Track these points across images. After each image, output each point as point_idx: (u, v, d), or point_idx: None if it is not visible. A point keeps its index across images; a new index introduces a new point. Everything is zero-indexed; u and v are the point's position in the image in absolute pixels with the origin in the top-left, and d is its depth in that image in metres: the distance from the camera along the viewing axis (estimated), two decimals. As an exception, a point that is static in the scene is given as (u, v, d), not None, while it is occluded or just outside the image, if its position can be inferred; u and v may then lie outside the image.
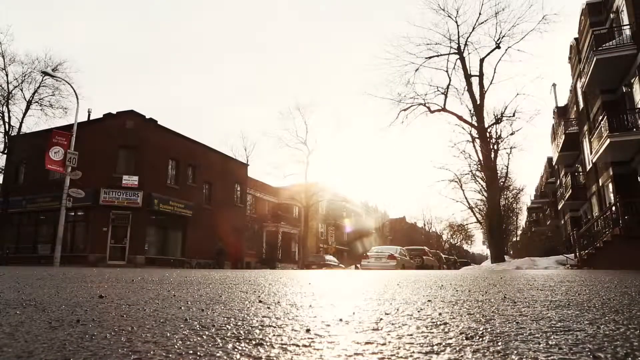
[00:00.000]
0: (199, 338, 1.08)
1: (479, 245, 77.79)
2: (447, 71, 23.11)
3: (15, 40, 51.42)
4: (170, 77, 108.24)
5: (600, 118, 16.46)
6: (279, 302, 1.85)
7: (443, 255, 32.70)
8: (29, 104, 27.70)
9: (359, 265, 23.16)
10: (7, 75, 27.22)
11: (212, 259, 24.36)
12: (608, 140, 15.22)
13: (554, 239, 36.20)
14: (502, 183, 30.80)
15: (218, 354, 0.91)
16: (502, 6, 34.07)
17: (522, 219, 60.07)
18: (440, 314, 1.50)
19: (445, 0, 37.99)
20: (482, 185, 29.86)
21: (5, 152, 27.68)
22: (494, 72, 23.45)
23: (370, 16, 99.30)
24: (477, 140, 23.54)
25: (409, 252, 22.32)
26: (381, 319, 1.38)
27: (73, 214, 22.79)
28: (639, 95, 15.86)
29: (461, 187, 32.13)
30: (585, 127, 21.97)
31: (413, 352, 0.94)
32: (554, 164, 35.74)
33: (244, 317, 1.41)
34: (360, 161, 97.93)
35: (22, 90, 27.82)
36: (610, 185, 18.45)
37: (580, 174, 25.98)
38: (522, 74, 56.94)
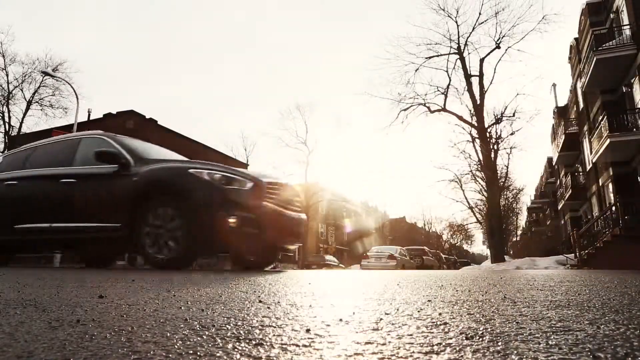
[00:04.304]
0: (199, 338, 1.08)
1: (479, 245, 77.90)
2: (447, 71, 23.20)
3: (16, 40, 51.86)
4: (170, 77, 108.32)
5: (600, 118, 16.46)
6: (279, 302, 1.85)
7: (443, 255, 32.72)
8: (29, 104, 27.73)
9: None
10: (7, 75, 27.28)
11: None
12: (608, 140, 15.22)
13: (554, 239, 36.20)
14: (502, 183, 30.83)
15: (218, 354, 0.91)
16: (502, 6, 34.10)
17: (522, 219, 60.13)
18: (440, 314, 1.50)
19: (445, 0, 37.99)
20: (482, 185, 29.89)
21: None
22: (494, 72, 23.53)
23: (370, 16, 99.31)
24: (477, 140, 23.56)
25: (409, 252, 22.33)
26: (381, 319, 1.38)
27: (73, 214, 22.80)
28: (639, 95, 15.84)
29: (461, 187, 32.23)
30: (585, 127, 21.95)
31: (413, 352, 0.94)
32: (554, 164, 35.71)
33: (244, 317, 1.41)
34: (360, 161, 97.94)
35: (22, 90, 27.88)
36: (610, 185, 18.45)
37: (580, 174, 25.96)
38: (522, 74, 57.15)
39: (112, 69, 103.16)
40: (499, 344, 1.01)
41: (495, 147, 25.76)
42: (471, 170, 29.74)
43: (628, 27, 15.90)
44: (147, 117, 25.57)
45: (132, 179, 5.42)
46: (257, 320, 1.36)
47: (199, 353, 0.92)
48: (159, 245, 5.15)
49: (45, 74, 24.13)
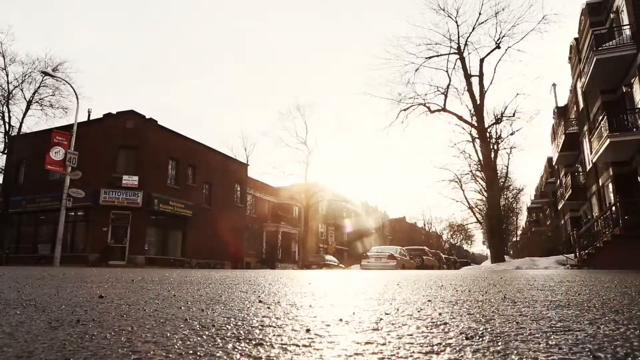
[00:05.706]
0: (199, 338, 1.08)
1: (479, 245, 77.76)
2: (447, 71, 23.11)
3: (16, 40, 51.61)
4: (170, 77, 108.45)
5: (600, 118, 16.46)
6: (279, 302, 1.85)
7: (443, 255, 32.67)
8: (29, 104, 27.69)
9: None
10: (7, 75, 27.23)
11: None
12: (608, 140, 15.21)
13: (554, 239, 36.18)
14: (502, 183, 30.82)
15: (218, 354, 0.91)
16: (502, 6, 34.02)
17: (522, 219, 60.08)
18: (440, 314, 1.50)
19: (445, 0, 37.97)
20: (482, 185, 29.84)
21: (5, 152, 27.68)
22: (494, 72, 23.51)
23: (370, 16, 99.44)
24: (477, 140, 23.55)
25: (409, 252, 22.29)
26: (381, 319, 1.38)
27: (73, 214, 22.78)
28: (639, 95, 15.84)
29: (461, 187, 32.13)
30: (585, 127, 21.96)
31: (413, 352, 0.94)
32: (554, 164, 35.70)
33: (244, 317, 1.41)
34: (360, 161, 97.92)
35: (22, 90, 27.81)
36: (610, 185, 18.44)
37: (580, 174, 25.94)
38: (522, 74, 57.12)
39: (112, 69, 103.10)
40: (499, 344, 1.01)
41: (495, 147, 25.73)
42: (471, 170, 29.72)
43: (628, 27, 15.90)
44: (147, 117, 25.55)
45: None
46: (257, 320, 1.36)
47: (198, 353, 0.92)
48: None
49: (45, 74, 24.10)
